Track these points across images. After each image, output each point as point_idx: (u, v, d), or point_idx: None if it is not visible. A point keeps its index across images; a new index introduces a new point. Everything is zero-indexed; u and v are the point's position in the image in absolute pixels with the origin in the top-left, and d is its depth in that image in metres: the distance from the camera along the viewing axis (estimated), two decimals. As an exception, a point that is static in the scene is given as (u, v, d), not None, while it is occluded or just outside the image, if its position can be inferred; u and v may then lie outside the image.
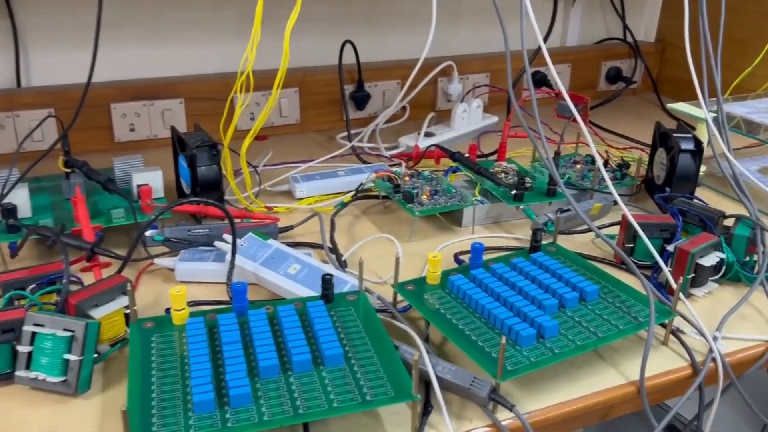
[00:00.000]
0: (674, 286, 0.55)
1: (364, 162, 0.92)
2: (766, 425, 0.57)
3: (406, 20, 1.12)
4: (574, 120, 0.96)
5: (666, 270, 0.60)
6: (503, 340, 0.47)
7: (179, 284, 0.62)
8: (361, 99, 1.05)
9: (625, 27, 1.27)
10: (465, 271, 0.60)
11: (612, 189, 0.61)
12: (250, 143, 0.74)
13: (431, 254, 0.58)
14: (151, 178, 0.73)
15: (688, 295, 0.64)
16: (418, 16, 1.11)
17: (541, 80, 1.17)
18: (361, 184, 0.79)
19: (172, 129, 0.78)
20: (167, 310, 0.55)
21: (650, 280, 0.66)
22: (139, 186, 0.72)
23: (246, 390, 0.44)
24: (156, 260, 0.65)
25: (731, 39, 1.16)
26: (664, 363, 0.55)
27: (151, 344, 0.50)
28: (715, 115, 0.86)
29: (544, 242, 0.66)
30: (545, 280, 0.58)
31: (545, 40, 0.96)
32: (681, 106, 0.88)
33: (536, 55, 1.04)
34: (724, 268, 0.65)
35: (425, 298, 0.57)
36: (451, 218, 0.77)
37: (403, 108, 1.10)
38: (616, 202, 0.82)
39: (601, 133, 1.06)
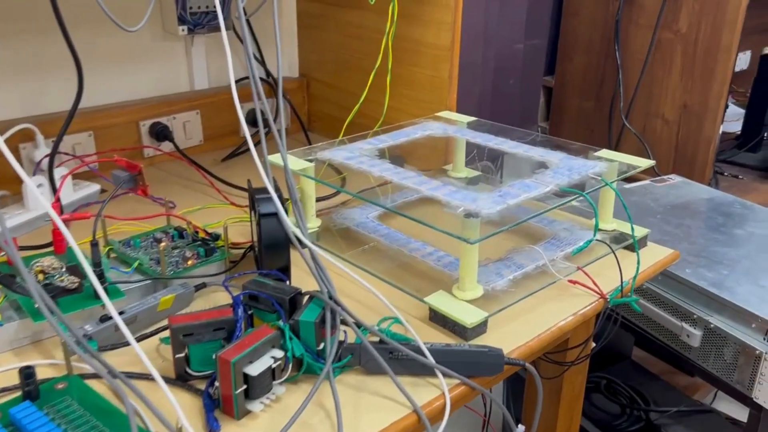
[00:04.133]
0: (182, 417, 0.41)
1: None
2: None
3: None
4: (128, 190, 0.82)
5: (167, 392, 0.45)
6: None
7: None
8: None
9: (262, 63, 1.16)
10: None
11: (95, 283, 0.45)
12: None
13: None
14: None
15: (245, 413, 0.51)
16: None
17: (161, 132, 1.02)
18: None
19: None
20: None
21: (204, 394, 0.52)
22: None
23: None
24: None
25: (362, 69, 1.11)
26: None
27: None
28: (311, 164, 0.76)
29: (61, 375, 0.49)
30: (5, 457, 0.41)
31: (77, 98, 0.80)
32: (275, 158, 0.76)
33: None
34: (291, 364, 0.53)
35: None
36: (-31, 348, 0.57)
37: (-27, 186, 0.87)
38: (204, 285, 0.68)
39: (227, 190, 0.93)
